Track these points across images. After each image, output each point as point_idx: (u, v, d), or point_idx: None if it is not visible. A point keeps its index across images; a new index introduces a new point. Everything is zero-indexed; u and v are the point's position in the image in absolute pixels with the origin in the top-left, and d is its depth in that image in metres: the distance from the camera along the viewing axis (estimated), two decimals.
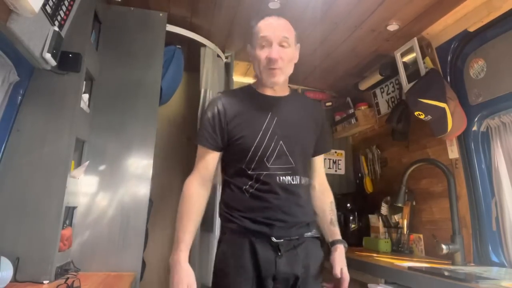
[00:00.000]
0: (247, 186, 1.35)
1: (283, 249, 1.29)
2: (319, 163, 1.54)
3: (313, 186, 1.49)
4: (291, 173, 1.34)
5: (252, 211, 1.32)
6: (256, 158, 1.34)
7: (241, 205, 1.34)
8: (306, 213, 1.37)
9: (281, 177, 1.33)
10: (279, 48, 1.33)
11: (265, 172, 1.33)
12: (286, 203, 1.32)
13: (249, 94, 1.45)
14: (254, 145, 1.34)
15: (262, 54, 1.34)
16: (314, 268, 1.34)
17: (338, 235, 1.43)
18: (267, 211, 1.31)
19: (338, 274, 1.31)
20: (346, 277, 1.32)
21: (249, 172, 1.35)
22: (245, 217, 1.32)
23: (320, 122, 1.49)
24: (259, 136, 1.34)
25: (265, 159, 1.34)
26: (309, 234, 1.37)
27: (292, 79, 1.48)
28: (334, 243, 1.40)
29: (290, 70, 1.39)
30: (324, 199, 1.49)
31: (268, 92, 1.43)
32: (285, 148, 1.35)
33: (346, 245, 1.42)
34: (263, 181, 1.33)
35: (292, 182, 1.34)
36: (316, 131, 1.46)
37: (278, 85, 1.40)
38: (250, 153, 1.34)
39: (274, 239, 1.29)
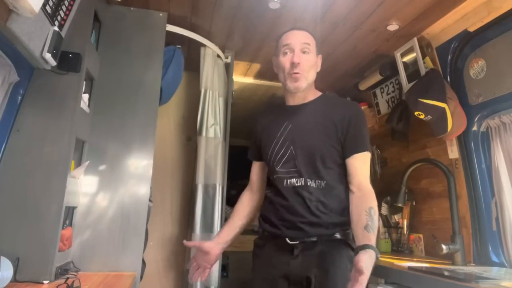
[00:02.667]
0: (267, 192, 1.52)
1: (297, 250, 1.34)
2: (352, 166, 1.39)
3: (351, 191, 1.36)
4: (296, 175, 1.40)
5: (269, 215, 1.45)
6: (271, 164, 1.48)
7: (264, 210, 1.50)
8: (316, 214, 1.34)
9: (288, 180, 1.42)
10: (301, 54, 1.42)
11: (275, 176, 1.46)
12: (292, 205, 1.38)
13: (277, 106, 1.57)
14: (269, 152, 1.48)
15: (286, 60, 1.43)
16: (334, 273, 1.28)
17: (371, 240, 1.21)
18: (279, 213, 1.41)
19: (357, 264, 1.13)
20: (362, 271, 1.10)
21: (270, 178, 1.52)
22: (265, 220, 1.46)
23: (344, 123, 1.39)
24: (273, 144, 1.47)
25: (275, 164, 1.47)
26: (328, 236, 1.33)
27: None
28: (364, 247, 1.18)
29: (312, 76, 1.46)
30: (361, 205, 1.31)
31: (291, 102, 1.52)
32: (293, 153, 1.42)
33: (378, 255, 1.19)
34: (274, 185, 1.46)
35: (296, 184, 1.40)
36: (336, 133, 1.39)
37: (301, 91, 1.46)
38: (268, 160, 1.50)
39: (288, 241, 1.35)
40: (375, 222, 1.26)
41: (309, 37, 1.46)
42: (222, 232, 1.54)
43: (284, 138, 1.46)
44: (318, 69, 1.50)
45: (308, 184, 1.38)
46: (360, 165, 1.40)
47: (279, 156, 1.46)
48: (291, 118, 1.48)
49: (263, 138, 1.53)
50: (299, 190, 1.38)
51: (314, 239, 1.33)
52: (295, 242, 1.35)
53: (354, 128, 1.40)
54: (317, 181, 1.38)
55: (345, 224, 1.35)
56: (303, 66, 1.40)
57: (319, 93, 1.54)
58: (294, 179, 1.41)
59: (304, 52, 1.42)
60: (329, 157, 1.39)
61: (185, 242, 1.51)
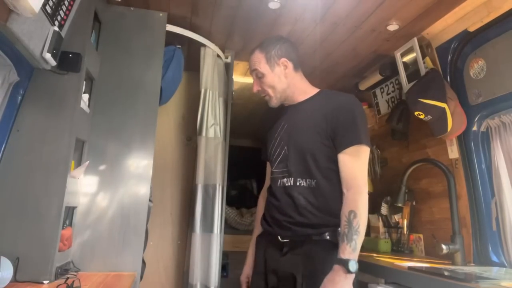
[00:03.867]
0: (267, 191, 1.56)
1: (286, 248, 1.38)
2: (341, 162, 1.35)
3: (342, 191, 1.35)
4: (287, 175, 1.44)
5: (266, 214, 1.51)
6: (270, 164, 1.54)
7: (264, 209, 1.55)
8: (304, 214, 1.35)
9: (280, 180, 1.45)
10: (257, 80, 1.50)
11: (271, 176, 1.51)
12: (282, 204, 1.41)
13: (280, 107, 1.58)
14: (269, 153, 1.54)
15: None
16: (321, 273, 1.28)
17: (342, 253, 1.22)
18: (271, 213, 1.46)
19: None
20: None
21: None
22: (264, 219, 1.51)
23: (334, 115, 1.37)
24: (271, 144, 1.53)
25: (272, 164, 1.52)
26: (316, 236, 1.33)
27: None
28: (336, 261, 1.23)
29: (279, 89, 1.48)
30: (344, 207, 1.30)
31: (288, 103, 1.55)
32: (287, 153, 1.45)
33: (352, 268, 1.18)
34: (270, 185, 1.52)
35: (286, 184, 1.43)
36: (326, 128, 1.37)
37: (276, 106, 1.53)
38: (269, 161, 1.56)
39: (280, 238, 1.40)
40: (354, 227, 1.24)
41: (257, 58, 1.48)
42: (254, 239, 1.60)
43: (280, 138, 1.49)
44: (288, 72, 1.48)
45: (298, 184, 1.39)
46: (350, 160, 1.35)
47: (275, 156, 1.50)
48: (287, 118, 1.51)
49: (267, 139, 1.57)
50: (288, 191, 1.41)
51: (302, 238, 1.35)
52: (285, 240, 1.39)
53: (343, 120, 1.37)
54: (307, 180, 1.38)
55: (335, 224, 1.33)
56: (263, 90, 1.49)
57: (315, 90, 1.53)
58: (285, 179, 1.44)
59: (259, 77, 1.49)
60: (320, 155, 1.38)
61: None
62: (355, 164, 1.35)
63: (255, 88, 1.50)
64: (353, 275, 1.20)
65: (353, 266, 1.19)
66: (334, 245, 1.32)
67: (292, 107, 1.51)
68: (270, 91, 1.48)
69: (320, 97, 1.50)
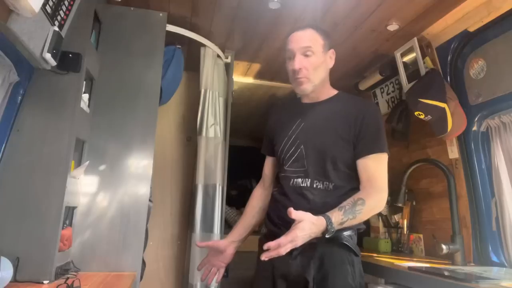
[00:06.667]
0: (274, 190, 1.51)
1: (296, 251, 1.30)
2: (362, 167, 1.34)
3: (360, 189, 1.34)
4: (303, 175, 1.39)
5: (273, 214, 1.44)
6: (280, 162, 1.48)
7: (269, 209, 1.49)
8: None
9: (294, 180, 1.40)
10: (302, 58, 1.39)
11: (282, 174, 1.46)
12: (295, 206, 1.29)
13: (291, 102, 1.55)
14: (279, 149, 1.47)
15: (289, 66, 1.42)
16: (334, 277, 1.26)
17: (332, 214, 1.18)
18: (281, 214, 1.37)
19: (292, 214, 1.13)
20: (286, 237, 1.11)
21: (277, 176, 1.51)
22: (269, 220, 1.45)
23: (358, 123, 1.36)
24: (284, 141, 1.46)
25: (284, 162, 1.45)
26: (329, 239, 1.24)
27: None
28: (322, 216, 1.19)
29: (319, 76, 1.42)
30: (354, 195, 1.28)
31: (305, 99, 1.50)
32: (304, 152, 1.40)
33: (331, 228, 1.15)
34: (281, 183, 1.45)
35: (301, 185, 1.38)
36: (349, 133, 1.36)
37: (307, 93, 1.44)
38: (278, 157, 1.49)
39: None
40: (356, 210, 1.22)
41: (312, 36, 1.42)
42: (236, 230, 1.54)
43: (295, 136, 1.44)
44: (330, 65, 1.46)
45: (314, 185, 1.36)
46: (372, 164, 1.34)
47: (288, 154, 1.44)
48: (305, 116, 1.46)
49: (276, 134, 1.52)
50: (303, 191, 1.37)
51: (314, 240, 1.28)
52: None
53: (369, 128, 1.36)
54: (325, 182, 1.36)
55: (348, 228, 1.31)
56: (305, 71, 1.39)
57: (334, 92, 1.51)
58: (300, 179, 1.39)
59: (306, 56, 1.39)
60: (340, 159, 1.36)
61: (198, 243, 1.52)
62: (377, 168, 1.34)
63: (299, 65, 1.37)
64: (318, 235, 1.17)
65: (330, 232, 1.17)
66: (347, 248, 1.31)
67: (311, 105, 1.47)
68: (311, 73, 1.39)
69: (341, 100, 1.47)
